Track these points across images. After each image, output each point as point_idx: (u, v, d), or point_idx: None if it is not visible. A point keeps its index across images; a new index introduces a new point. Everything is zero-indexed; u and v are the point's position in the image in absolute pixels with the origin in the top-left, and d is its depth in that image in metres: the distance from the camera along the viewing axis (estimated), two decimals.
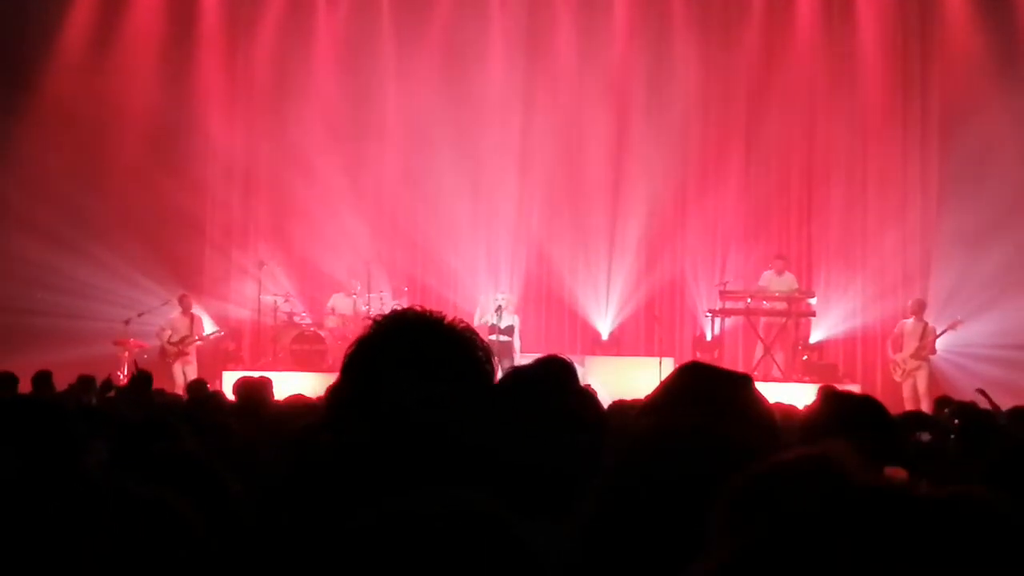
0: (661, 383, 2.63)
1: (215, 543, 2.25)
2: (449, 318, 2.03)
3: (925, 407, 13.43)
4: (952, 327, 16.16)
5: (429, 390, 1.90)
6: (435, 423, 1.89)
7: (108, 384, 8.74)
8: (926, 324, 16.24)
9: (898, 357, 16.25)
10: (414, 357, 1.93)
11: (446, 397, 1.91)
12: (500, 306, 16.34)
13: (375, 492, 1.82)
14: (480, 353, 2.00)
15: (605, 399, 7.89)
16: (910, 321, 16.37)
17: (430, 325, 1.99)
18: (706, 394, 2.50)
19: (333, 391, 1.97)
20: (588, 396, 2.82)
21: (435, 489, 1.31)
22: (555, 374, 2.76)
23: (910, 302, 16.75)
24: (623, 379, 15.24)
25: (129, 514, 1.60)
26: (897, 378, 16.22)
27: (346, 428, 1.91)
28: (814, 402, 3.19)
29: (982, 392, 11.00)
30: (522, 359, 15.33)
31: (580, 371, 12.76)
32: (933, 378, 16.10)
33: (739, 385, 2.58)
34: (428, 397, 1.90)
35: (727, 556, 0.94)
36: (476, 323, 15.86)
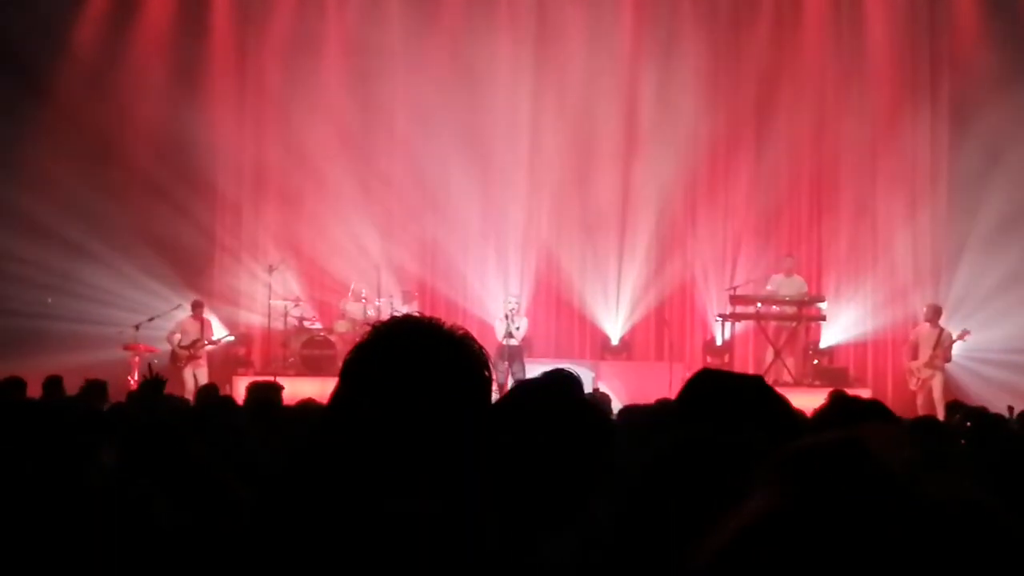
0: (678, 393, 2.63)
1: (218, 546, 2.25)
2: (448, 325, 2.02)
3: (940, 413, 13.35)
4: (960, 338, 16.04)
5: (425, 398, 1.90)
6: (429, 431, 1.89)
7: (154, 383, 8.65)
8: (942, 330, 16.08)
9: (913, 366, 16.11)
10: (412, 364, 1.93)
11: (441, 406, 1.90)
12: (512, 310, 16.32)
13: (371, 497, 1.82)
14: (478, 359, 1.99)
15: (615, 404, 7.88)
16: (926, 327, 16.24)
17: (428, 332, 1.98)
18: (723, 400, 2.49)
19: (332, 397, 1.97)
20: (594, 405, 2.81)
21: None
22: (560, 386, 2.76)
23: (925, 308, 16.62)
24: (634, 384, 15.25)
25: (129, 516, 1.59)
26: (912, 387, 16.07)
27: (344, 434, 1.91)
28: (822, 405, 3.18)
29: (1011, 410, 10.89)
30: (529, 362, 15.37)
31: (591, 376, 12.72)
32: (947, 384, 15.99)
33: (754, 388, 2.57)
34: (423, 406, 1.89)
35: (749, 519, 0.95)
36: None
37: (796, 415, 2.60)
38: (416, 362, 1.93)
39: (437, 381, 1.92)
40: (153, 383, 6.54)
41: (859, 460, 0.95)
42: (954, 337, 16.00)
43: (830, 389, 10.51)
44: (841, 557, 0.90)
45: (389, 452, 1.87)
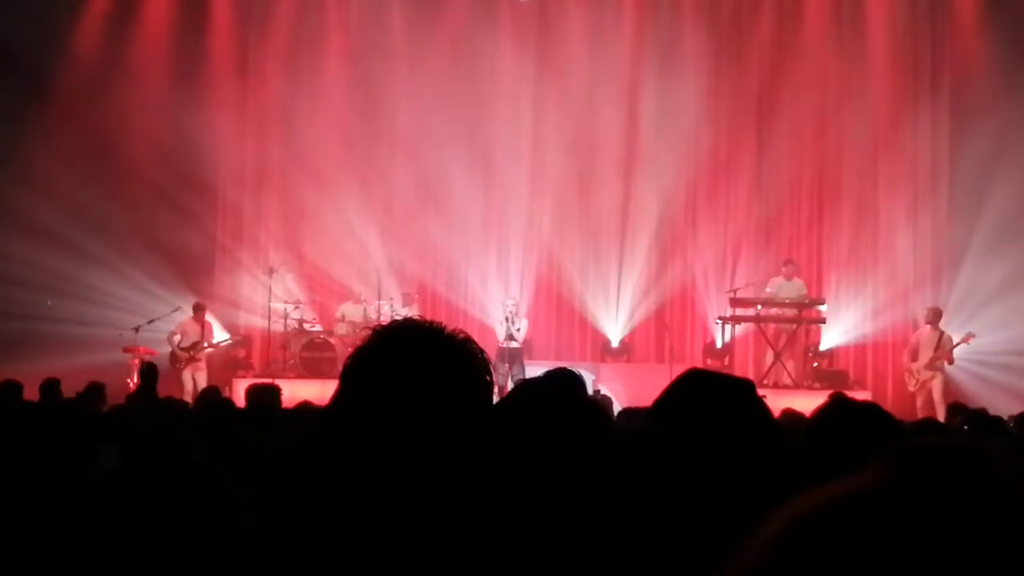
0: (662, 392, 2.62)
1: (219, 549, 2.25)
2: (449, 328, 2.02)
3: (940, 415, 13.35)
4: (965, 340, 16.01)
5: (425, 402, 1.90)
6: (430, 435, 1.89)
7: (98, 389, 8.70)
8: (942, 333, 16.07)
9: (913, 367, 16.09)
10: (412, 368, 1.92)
11: (442, 410, 1.90)
12: (511, 312, 16.30)
13: (371, 502, 1.81)
14: (479, 363, 1.99)
15: (616, 407, 7.89)
16: (926, 329, 16.22)
17: (428, 335, 1.98)
18: (707, 402, 2.49)
19: (331, 400, 1.97)
20: (597, 407, 2.81)
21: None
22: (563, 386, 2.76)
23: (925, 311, 16.61)
24: (634, 387, 15.24)
25: (126, 520, 1.59)
26: (911, 388, 16.08)
27: (342, 438, 1.91)
28: (821, 407, 3.19)
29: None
30: (529, 364, 15.36)
31: (591, 379, 12.71)
32: (947, 386, 15.97)
33: (741, 392, 2.56)
34: (423, 410, 1.89)
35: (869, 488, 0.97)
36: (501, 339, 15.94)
37: (775, 423, 2.59)
38: (416, 366, 1.92)
39: (437, 385, 1.91)
40: (146, 371, 6.55)
41: (974, 462, 0.97)
42: (957, 340, 15.94)
43: (829, 391, 10.52)
44: (928, 542, 0.91)
45: (389, 456, 1.87)
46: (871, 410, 3.04)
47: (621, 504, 1.81)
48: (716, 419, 2.40)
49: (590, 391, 10.83)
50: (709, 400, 2.48)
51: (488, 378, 1.99)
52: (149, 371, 6.61)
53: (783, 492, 1.07)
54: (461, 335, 2.00)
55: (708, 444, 1.80)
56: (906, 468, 0.97)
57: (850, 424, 2.85)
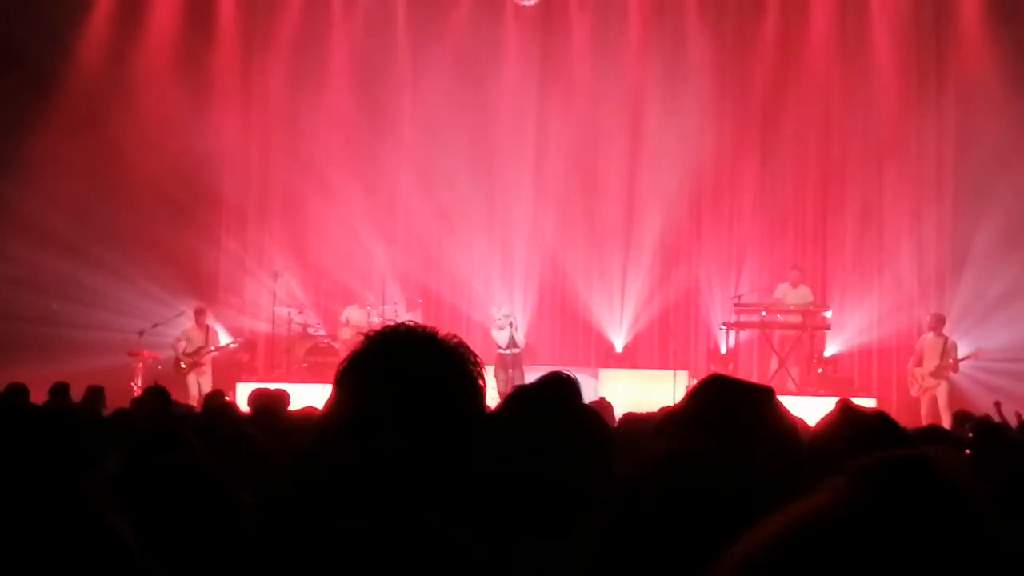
0: (684, 396, 2.62)
1: (222, 553, 2.25)
2: (443, 333, 2.01)
3: (946, 422, 13.29)
4: (974, 357, 15.96)
5: (416, 406, 1.90)
6: (423, 438, 1.88)
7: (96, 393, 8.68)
8: (947, 339, 16.02)
9: (916, 372, 16.03)
10: (404, 373, 1.92)
11: (433, 414, 1.90)
12: (512, 318, 16.30)
13: (366, 508, 1.81)
14: (471, 368, 1.98)
15: (619, 412, 7.86)
16: (930, 336, 16.17)
17: (421, 341, 1.98)
18: (730, 409, 2.48)
19: (326, 406, 1.97)
20: (592, 411, 2.81)
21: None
22: (557, 391, 2.76)
23: (928, 317, 16.56)
24: (637, 392, 15.21)
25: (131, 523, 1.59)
26: (914, 392, 16.03)
27: (337, 444, 1.91)
28: (828, 414, 3.17)
29: (997, 406, 10.93)
30: (532, 369, 15.34)
31: (594, 384, 12.65)
32: (952, 393, 15.89)
33: (763, 399, 2.56)
34: (417, 412, 1.89)
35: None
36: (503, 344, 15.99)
37: (798, 430, 2.59)
38: (409, 371, 1.92)
39: (430, 389, 1.91)
40: (154, 392, 6.56)
41: (927, 474, 0.98)
42: (965, 355, 15.87)
43: (834, 397, 10.47)
44: (896, 558, 0.92)
45: (383, 460, 1.86)
46: (879, 418, 3.03)
47: (644, 517, 1.80)
48: (736, 426, 2.39)
49: (594, 397, 10.82)
50: (730, 406, 2.48)
51: (481, 382, 1.99)
52: (159, 393, 6.62)
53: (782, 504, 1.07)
54: (454, 340, 2.00)
55: (728, 453, 1.79)
56: (858, 486, 0.97)
57: (858, 432, 2.83)
